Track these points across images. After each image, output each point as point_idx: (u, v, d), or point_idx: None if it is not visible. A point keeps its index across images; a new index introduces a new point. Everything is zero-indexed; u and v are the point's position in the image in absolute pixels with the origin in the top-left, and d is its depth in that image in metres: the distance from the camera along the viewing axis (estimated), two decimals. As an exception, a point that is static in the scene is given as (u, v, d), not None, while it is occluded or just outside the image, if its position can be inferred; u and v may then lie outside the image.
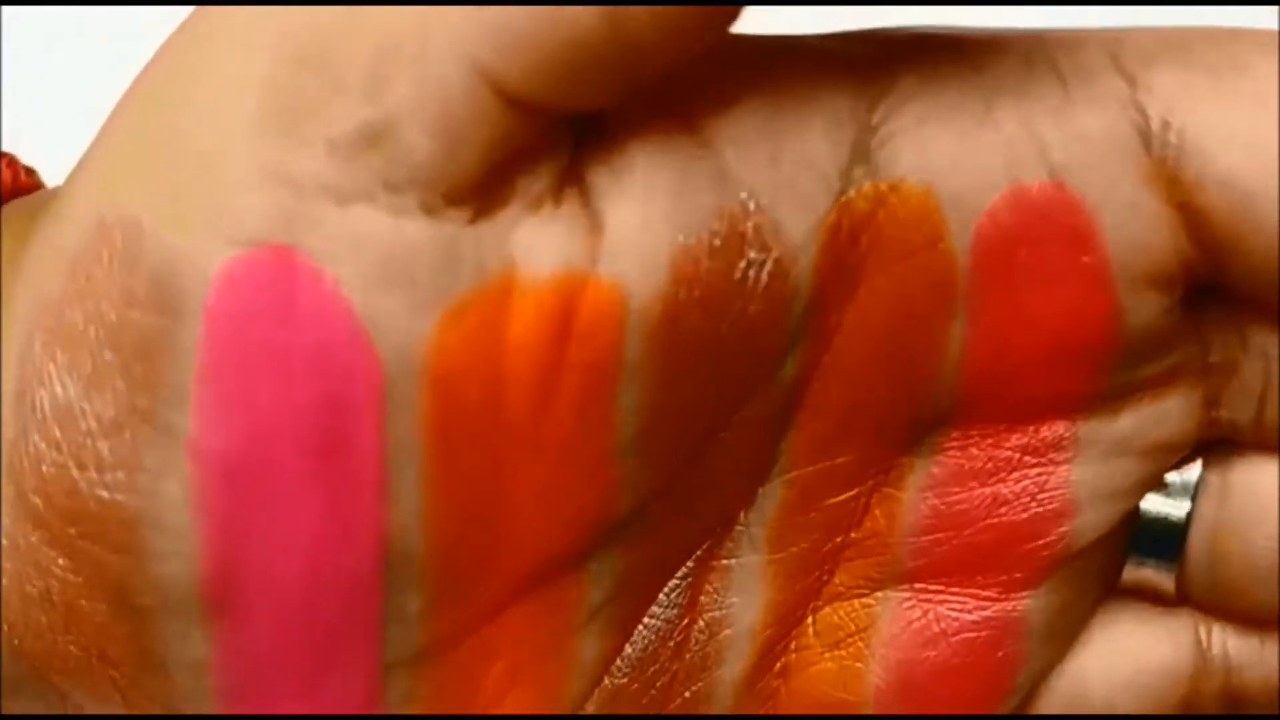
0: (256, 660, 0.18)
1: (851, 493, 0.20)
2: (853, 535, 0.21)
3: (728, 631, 0.21)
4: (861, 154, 0.18)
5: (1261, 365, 0.20)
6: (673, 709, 0.21)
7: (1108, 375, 0.20)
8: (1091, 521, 0.20)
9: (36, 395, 0.17)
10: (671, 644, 0.21)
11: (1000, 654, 0.21)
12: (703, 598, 0.21)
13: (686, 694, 0.21)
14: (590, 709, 0.20)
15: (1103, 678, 0.21)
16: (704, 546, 0.21)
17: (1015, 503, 0.20)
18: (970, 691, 0.21)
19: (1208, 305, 0.20)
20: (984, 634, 0.21)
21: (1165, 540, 0.21)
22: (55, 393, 0.17)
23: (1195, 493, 0.21)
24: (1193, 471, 0.21)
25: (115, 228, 0.17)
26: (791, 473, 0.20)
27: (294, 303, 0.17)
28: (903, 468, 0.20)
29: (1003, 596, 0.21)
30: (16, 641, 0.18)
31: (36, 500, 0.17)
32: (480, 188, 0.17)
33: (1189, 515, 0.21)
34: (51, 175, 0.22)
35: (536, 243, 0.18)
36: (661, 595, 0.20)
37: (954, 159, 0.18)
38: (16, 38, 0.26)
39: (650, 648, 0.21)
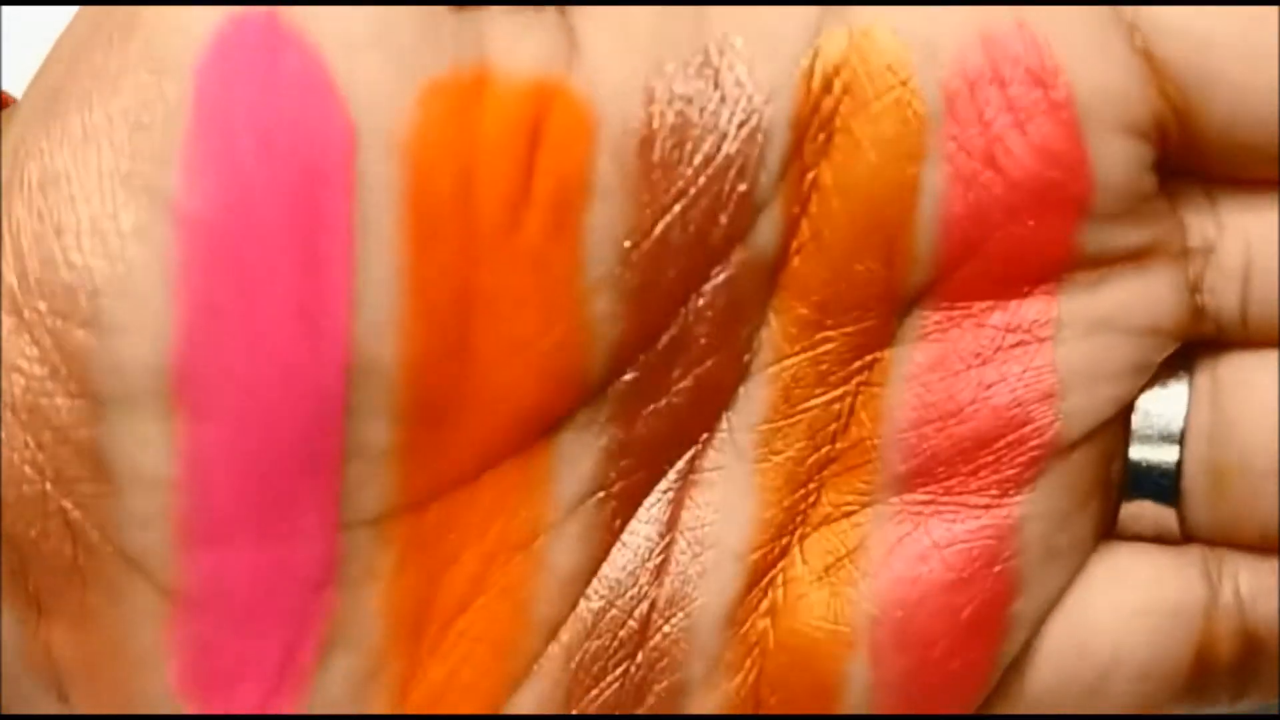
0: (216, 481, 0.18)
1: (835, 392, 0.20)
2: (839, 445, 0.20)
3: (711, 552, 0.20)
4: (834, 2, 0.19)
5: (1240, 247, 0.20)
6: (650, 649, 0.20)
7: (1082, 234, 0.19)
8: (1081, 405, 0.20)
9: (25, 170, 0.18)
10: (651, 564, 0.20)
11: (997, 569, 0.20)
12: (685, 514, 0.20)
13: (666, 626, 0.20)
14: (564, 638, 0.20)
15: (1107, 618, 0.20)
16: (686, 457, 0.20)
17: (1001, 385, 0.20)
18: (969, 613, 0.20)
19: (1183, 185, 0.20)
20: (979, 543, 0.20)
21: (1160, 477, 0.20)
22: (43, 163, 0.18)
23: (1185, 421, 0.20)
24: (1179, 401, 0.20)
25: (116, 12, 0.18)
26: (774, 366, 0.20)
27: (278, 66, 0.18)
28: (885, 361, 0.20)
29: (995, 501, 0.20)
30: None
31: (12, 278, 0.18)
32: None
33: (1181, 446, 0.20)
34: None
35: (513, 42, 0.18)
36: (641, 510, 0.20)
37: (923, 6, 0.19)
38: (16, 38, 0.26)
39: (629, 568, 0.20)
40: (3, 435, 0.18)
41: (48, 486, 0.18)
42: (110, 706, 0.19)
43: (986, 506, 0.20)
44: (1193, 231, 0.20)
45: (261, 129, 0.18)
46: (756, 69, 0.19)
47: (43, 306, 0.18)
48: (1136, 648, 0.20)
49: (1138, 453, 0.20)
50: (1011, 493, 0.20)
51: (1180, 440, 0.20)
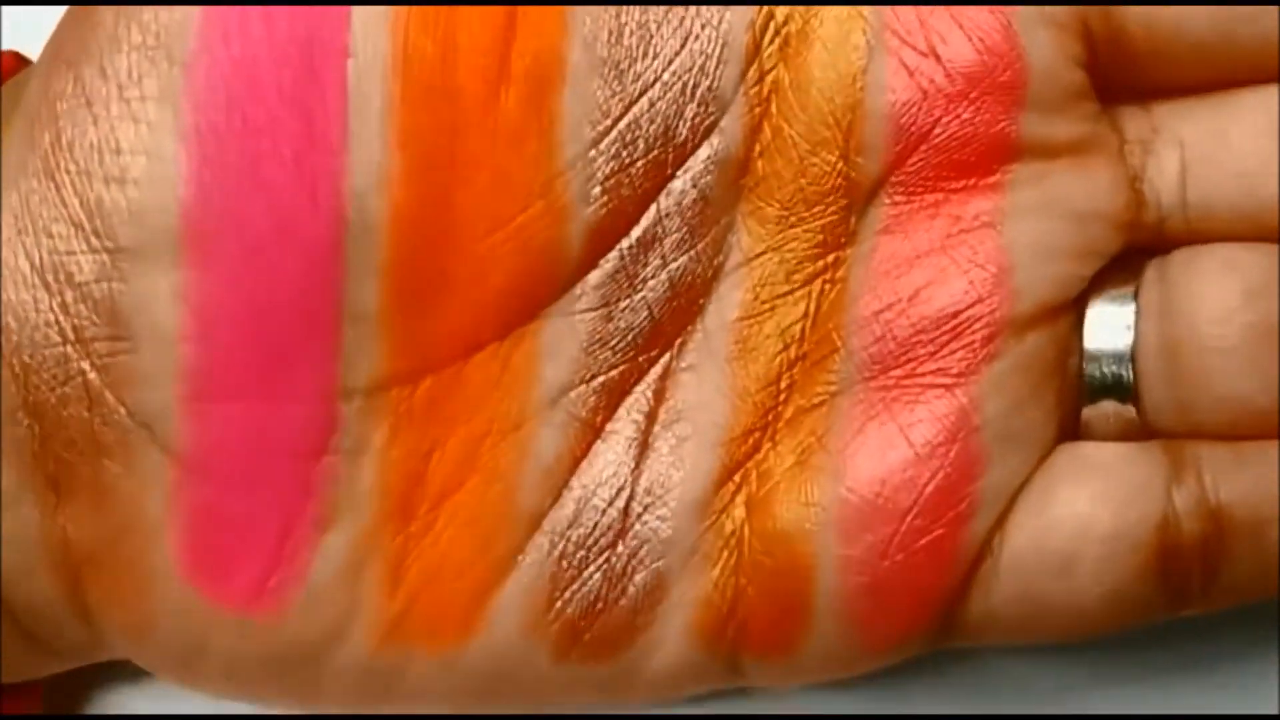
0: (220, 336, 0.20)
1: (801, 291, 0.21)
2: (808, 341, 0.21)
3: (689, 444, 0.21)
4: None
5: (1176, 150, 0.21)
6: (631, 535, 0.21)
7: (1021, 119, 0.20)
8: (1030, 283, 0.21)
9: (64, 53, 0.20)
10: (631, 455, 0.21)
11: (958, 446, 0.21)
12: (663, 410, 0.21)
13: (645, 516, 0.21)
14: (548, 526, 0.21)
15: (1075, 496, 0.21)
16: (664, 356, 0.21)
17: (953, 268, 0.21)
18: (933, 489, 0.21)
19: (1119, 96, 0.21)
20: (939, 423, 0.21)
21: (1116, 374, 0.21)
22: (80, 47, 0.20)
23: (1135, 318, 0.21)
24: (1129, 312, 0.21)
25: None
26: (744, 267, 0.21)
27: None
28: (847, 258, 0.21)
29: (954, 381, 0.21)
30: (5, 335, 0.20)
31: (47, 143, 0.20)
32: None
33: (1133, 347, 0.21)
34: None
35: None
36: (622, 406, 0.21)
37: None
38: (17, 37, 0.26)
39: (610, 460, 0.21)
40: (29, 299, 0.20)
41: (69, 349, 0.20)
42: (121, 588, 0.20)
43: (947, 386, 0.21)
44: (1129, 132, 0.21)
45: (269, 4, 0.19)
46: None
47: (72, 167, 0.20)
48: (1100, 525, 0.21)
49: (1091, 367, 0.21)
50: (969, 373, 0.21)
51: (1132, 356, 0.21)
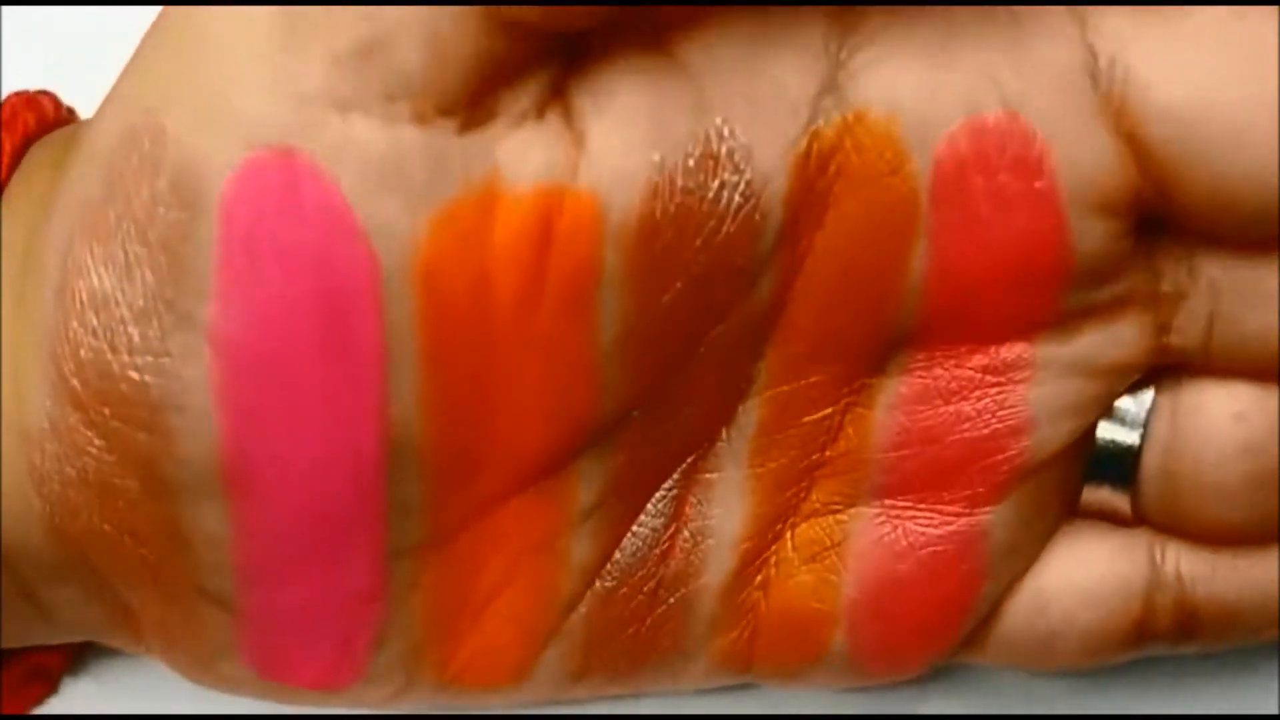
0: (271, 540, 0.20)
1: (825, 411, 0.22)
2: (827, 453, 0.22)
3: (710, 541, 0.22)
4: (830, 86, 0.20)
5: (1209, 295, 0.21)
6: (658, 614, 0.22)
7: (1062, 299, 0.20)
8: (1049, 437, 0.21)
9: (76, 286, 0.19)
10: (658, 551, 0.22)
11: (965, 567, 0.22)
12: (687, 509, 0.22)
13: (671, 600, 0.22)
14: (582, 610, 0.22)
15: (1062, 590, 0.22)
16: (689, 460, 0.22)
17: (977, 419, 0.21)
18: (937, 602, 0.22)
19: (1159, 236, 0.21)
20: (950, 547, 0.22)
21: (1120, 465, 0.22)
22: (92, 283, 0.19)
23: (1148, 419, 0.22)
24: (1145, 400, 0.22)
25: (144, 134, 0.19)
26: (769, 391, 0.21)
27: (300, 201, 0.19)
28: (872, 388, 0.21)
29: (967, 511, 0.22)
30: (58, 521, 0.20)
31: (75, 383, 0.20)
32: (468, 100, 0.19)
33: (1141, 441, 0.22)
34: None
35: (520, 155, 0.19)
36: (649, 505, 0.22)
37: (916, 91, 0.20)
38: (16, 37, 0.26)
39: (638, 554, 0.22)
40: (78, 500, 0.20)
41: (126, 539, 0.20)
42: (191, 672, 0.22)
43: (958, 515, 0.22)
44: (1165, 277, 0.21)
45: (288, 260, 0.19)
46: (754, 155, 0.20)
47: (106, 411, 0.20)
48: (1085, 616, 0.23)
49: (1104, 432, 0.22)
50: (981, 505, 0.22)
51: (1144, 426, 0.22)
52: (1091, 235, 0.20)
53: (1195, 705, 0.27)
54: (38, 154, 0.22)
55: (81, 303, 0.19)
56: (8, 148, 0.22)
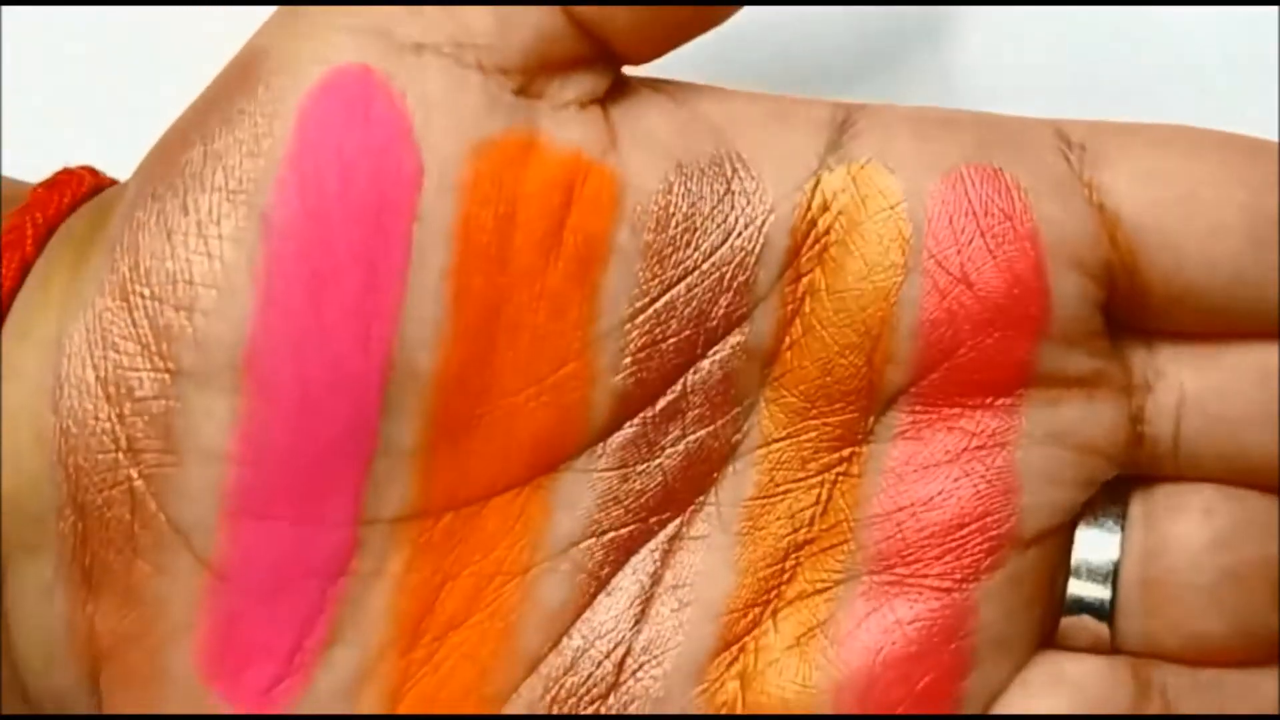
0: (263, 460, 0.21)
1: (816, 478, 0.22)
2: (816, 528, 0.22)
3: (688, 610, 0.22)
4: (835, 145, 0.22)
5: (1175, 393, 0.22)
6: (623, 689, 0.22)
7: (1042, 352, 0.22)
8: (1035, 504, 0.22)
9: (150, 188, 0.21)
10: (632, 613, 0.22)
11: (953, 646, 0.22)
12: (668, 573, 0.22)
13: (639, 673, 0.22)
14: (544, 670, 0.22)
15: (1051, 709, 0.22)
16: (676, 521, 0.22)
17: (966, 480, 0.22)
18: (925, 684, 0.22)
19: (1129, 336, 0.22)
20: (938, 622, 0.22)
21: (1097, 595, 0.22)
22: (168, 181, 0.21)
23: (1120, 552, 0.22)
24: (1114, 545, 0.22)
25: (248, 55, 0.21)
26: (761, 449, 0.22)
27: (369, 109, 0.21)
28: (863, 455, 0.22)
29: (955, 586, 0.22)
30: (64, 438, 0.21)
31: (124, 268, 0.21)
32: (524, 69, 0.21)
33: (1114, 584, 0.22)
34: (49, 171, 0.23)
35: (559, 127, 0.22)
36: (629, 564, 0.22)
37: (911, 149, 0.22)
38: (17, 37, 0.26)
39: (611, 613, 0.22)
40: (90, 408, 0.21)
41: (120, 455, 0.21)
42: (136, 681, 0.21)
43: (948, 590, 0.22)
44: (1135, 372, 0.22)
45: (348, 162, 0.21)
46: (764, 185, 0.22)
47: (146, 292, 0.21)
48: None
49: (1076, 586, 0.22)
50: (971, 580, 0.22)
51: (1114, 574, 0.22)
52: (1068, 288, 0.21)
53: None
54: (74, 222, 0.23)
55: (149, 198, 0.21)
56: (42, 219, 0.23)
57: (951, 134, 0.22)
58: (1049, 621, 0.23)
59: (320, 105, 0.21)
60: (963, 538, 0.22)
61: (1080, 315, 0.22)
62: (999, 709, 0.22)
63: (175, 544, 0.21)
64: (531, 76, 0.21)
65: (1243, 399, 0.22)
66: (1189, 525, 0.22)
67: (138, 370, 0.21)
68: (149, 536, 0.21)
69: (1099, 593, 0.22)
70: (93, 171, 0.24)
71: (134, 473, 0.21)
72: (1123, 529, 0.22)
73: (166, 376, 0.20)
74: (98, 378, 0.21)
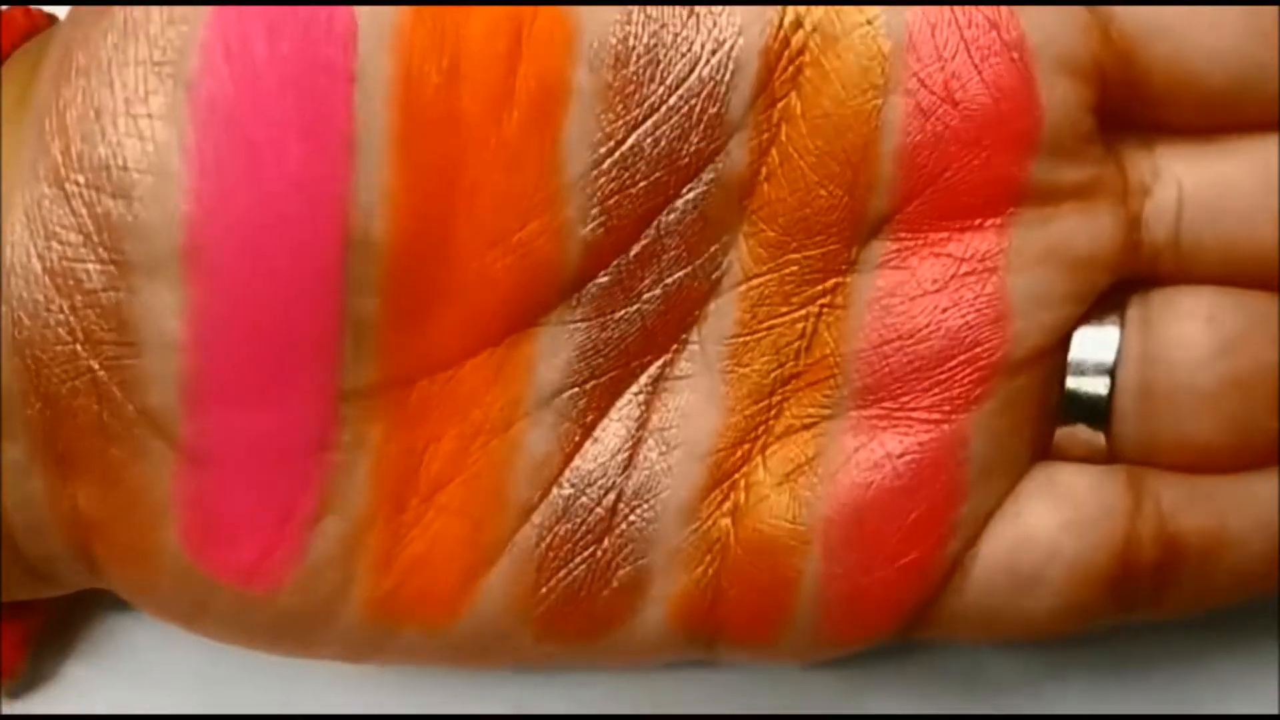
0: (224, 341, 0.20)
1: (800, 312, 0.21)
2: (803, 361, 0.21)
3: (677, 452, 0.22)
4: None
5: (1174, 191, 0.21)
6: (616, 535, 0.22)
7: (1032, 166, 0.21)
8: (1028, 329, 0.21)
9: (74, 57, 0.20)
10: (620, 458, 0.22)
11: (944, 478, 0.21)
12: (654, 416, 0.22)
13: (632, 515, 0.22)
14: (537, 519, 0.21)
15: (1044, 521, 0.22)
16: (657, 364, 0.22)
17: (955, 309, 0.21)
18: (916, 516, 0.21)
19: (1125, 135, 0.21)
20: (927, 455, 0.21)
21: (1092, 403, 0.22)
22: (90, 51, 0.20)
23: (1117, 353, 0.22)
24: (1112, 340, 0.22)
25: None
26: (742, 285, 0.21)
27: None
28: (848, 286, 0.21)
29: (945, 418, 0.21)
30: (17, 331, 0.20)
31: (56, 153, 0.20)
32: None
33: (1112, 382, 0.22)
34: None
35: None
36: (613, 409, 0.22)
37: None
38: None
39: (599, 460, 0.22)
40: (41, 299, 0.20)
41: (78, 347, 0.20)
42: (128, 559, 0.21)
43: (937, 422, 0.21)
44: (1131, 175, 0.21)
45: (273, 23, 0.20)
46: (732, 8, 0.20)
47: (81, 179, 0.20)
48: (1066, 549, 0.22)
49: (1074, 383, 0.22)
50: (960, 410, 0.21)
51: (1111, 373, 0.22)
52: (1059, 96, 0.20)
53: (1195, 705, 0.26)
54: (21, 54, 0.22)
55: (75, 69, 0.20)
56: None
57: None
58: (1044, 436, 0.22)
59: None
60: (951, 369, 0.21)
61: (1072, 123, 0.21)
62: (995, 523, 0.22)
63: (145, 431, 0.20)
64: None
65: (1243, 194, 0.21)
66: (1192, 331, 0.21)
67: (83, 261, 0.20)
68: (118, 424, 0.20)
69: (1097, 388, 0.22)
70: (26, 11, 0.23)
71: (95, 364, 0.20)
72: (1121, 327, 0.22)
73: (113, 268, 0.20)
74: (44, 268, 0.20)
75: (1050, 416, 0.22)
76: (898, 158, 0.21)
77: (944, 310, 0.21)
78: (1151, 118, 0.21)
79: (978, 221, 0.21)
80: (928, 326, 0.21)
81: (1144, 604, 0.22)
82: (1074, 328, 0.22)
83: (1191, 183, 0.21)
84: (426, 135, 0.20)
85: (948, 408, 0.21)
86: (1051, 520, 0.22)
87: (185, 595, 0.22)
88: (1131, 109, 0.21)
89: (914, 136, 0.20)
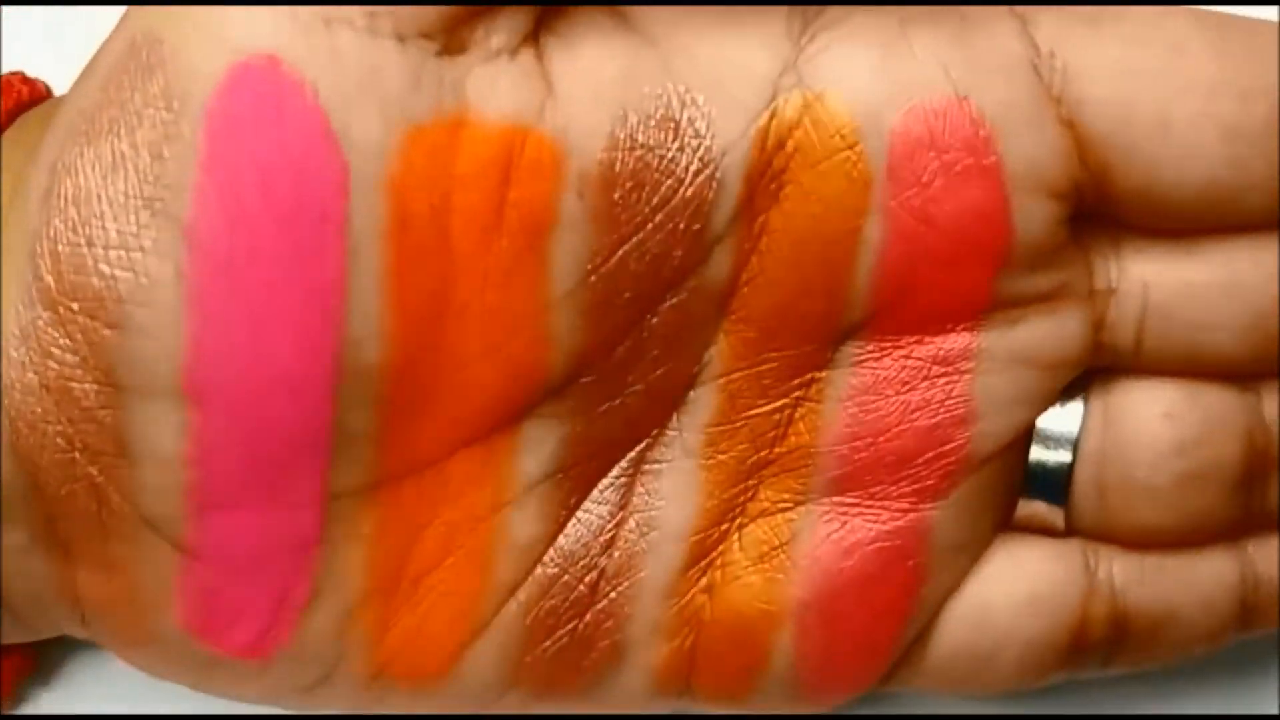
0: (221, 457, 0.21)
1: (776, 404, 0.22)
2: (777, 450, 0.22)
3: (656, 533, 0.22)
4: (790, 68, 0.21)
5: (1139, 292, 0.22)
6: (598, 609, 0.22)
7: (1003, 279, 0.21)
8: (994, 429, 0.22)
9: (63, 185, 0.20)
10: (602, 539, 0.22)
11: (911, 563, 0.22)
12: (635, 498, 0.22)
13: (613, 593, 0.22)
14: (522, 596, 0.22)
15: (1003, 599, 0.23)
16: (639, 448, 0.22)
17: (924, 409, 0.22)
18: (883, 599, 0.22)
19: (1093, 236, 0.22)
20: (896, 543, 0.22)
21: (1053, 482, 0.23)
22: (78, 181, 0.20)
23: (1079, 432, 0.23)
24: (1074, 417, 0.23)
25: (143, 46, 0.20)
26: (721, 379, 0.22)
27: (281, 108, 0.20)
28: (823, 381, 0.22)
29: (913, 507, 0.22)
30: (16, 437, 0.21)
31: (49, 279, 0.20)
32: (445, 26, 0.20)
33: (1073, 455, 0.23)
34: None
35: (490, 87, 0.20)
36: (595, 492, 0.22)
37: (871, 75, 0.21)
38: (17, 37, 0.27)
39: (582, 541, 0.22)
40: (39, 410, 0.20)
41: (76, 455, 0.21)
42: (127, 639, 0.22)
43: (905, 511, 0.22)
44: (1098, 274, 0.22)
45: (265, 166, 0.20)
46: (715, 124, 0.21)
47: (75, 306, 0.20)
48: (1024, 626, 0.23)
49: (1037, 454, 0.23)
50: (927, 501, 0.22)
51: (1074, 448, 0.23)
52: (1033, 216, 0.21)
53: (1195, 705, 0.26)
54: (17, 131, 0.23)
55: (65, 199, 0.20)
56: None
57: (914, 50, 0.21)
58: (1005, 512, 0.23)
59: (228, 105, 0.20)
60: (920, 464, 0.22)
61: (1044, 238, 0.21)
62: (959, 596, 0.23)
63: (145, 530, 0.21)
64: (453, 30, 0.20)
65: (1206, 297, 0.22)
66: (1151, 427, 0.22)
67: (80, 381, 0.20)
68: (117, 523, 0.21)
69: (1060, 458, 0.23)
70: (24, 79, 0.23)
71: (93, 470, 0.21)
72: (1085, 403, 0.23)
73: (110, 390, 0.20)
74: (41, 383, 0.20)
75: (1012, 494, 0.23)
76: (874, 272, 0.21)
77: (914, 410, 0.22)
78: (1121, 224, 0.22)
79: (948, 326, 0.22)
80: (898, 425, 0.22)
81: (1092, 669, 0.24)
82: (1038, 416, 0.23)
83: (1156, 284, 0.22)
84: (418, 269, 0.20)
85: (915, 499, 0.22)
86: (1009, 600, 0.23)
87: (183, 668, 0.22)
88: (1102, 216, 0.22)
89: (890, 254, 0.21)
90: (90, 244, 0.20)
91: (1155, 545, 0.23)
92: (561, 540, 0.22)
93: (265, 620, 0.22)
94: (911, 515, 0.22)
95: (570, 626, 0.22)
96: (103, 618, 0.22)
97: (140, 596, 0.21)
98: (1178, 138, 0.21)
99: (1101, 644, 0.23)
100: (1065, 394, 0.23)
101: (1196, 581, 0.23)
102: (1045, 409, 0.22)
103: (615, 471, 0.22)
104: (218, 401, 0.20)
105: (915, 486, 0.22)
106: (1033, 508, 0.23)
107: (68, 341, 0.20)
